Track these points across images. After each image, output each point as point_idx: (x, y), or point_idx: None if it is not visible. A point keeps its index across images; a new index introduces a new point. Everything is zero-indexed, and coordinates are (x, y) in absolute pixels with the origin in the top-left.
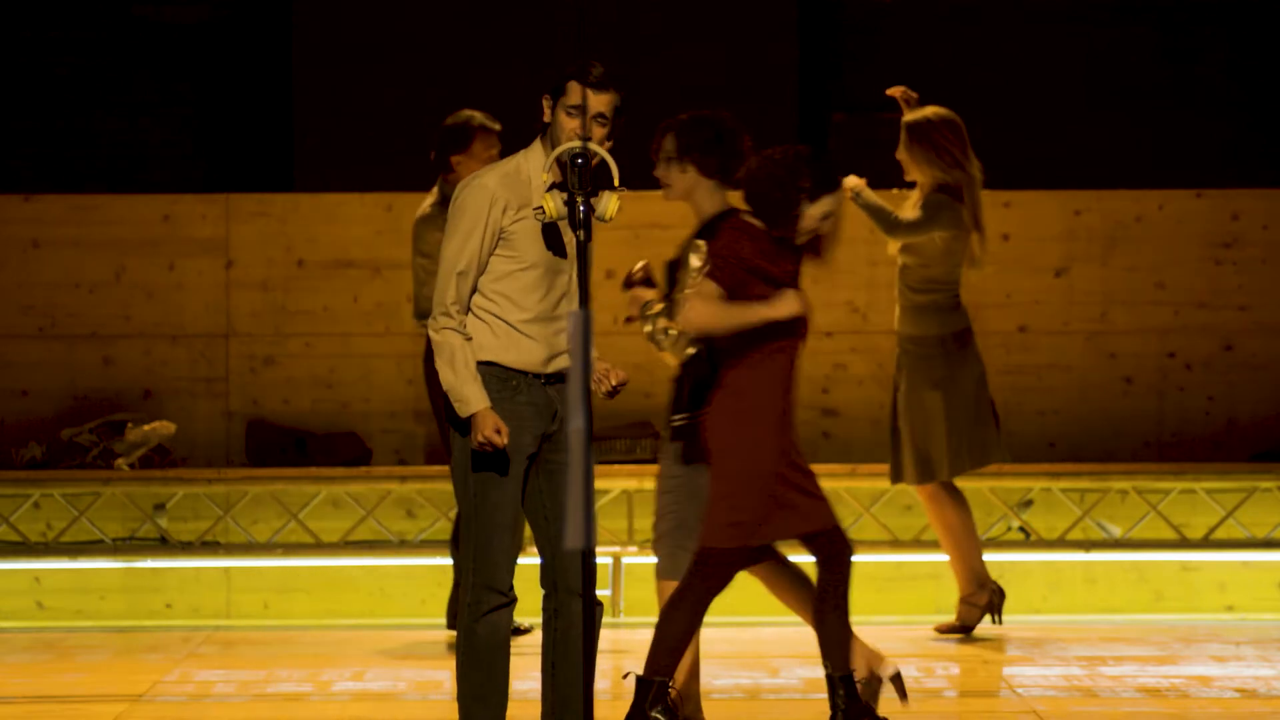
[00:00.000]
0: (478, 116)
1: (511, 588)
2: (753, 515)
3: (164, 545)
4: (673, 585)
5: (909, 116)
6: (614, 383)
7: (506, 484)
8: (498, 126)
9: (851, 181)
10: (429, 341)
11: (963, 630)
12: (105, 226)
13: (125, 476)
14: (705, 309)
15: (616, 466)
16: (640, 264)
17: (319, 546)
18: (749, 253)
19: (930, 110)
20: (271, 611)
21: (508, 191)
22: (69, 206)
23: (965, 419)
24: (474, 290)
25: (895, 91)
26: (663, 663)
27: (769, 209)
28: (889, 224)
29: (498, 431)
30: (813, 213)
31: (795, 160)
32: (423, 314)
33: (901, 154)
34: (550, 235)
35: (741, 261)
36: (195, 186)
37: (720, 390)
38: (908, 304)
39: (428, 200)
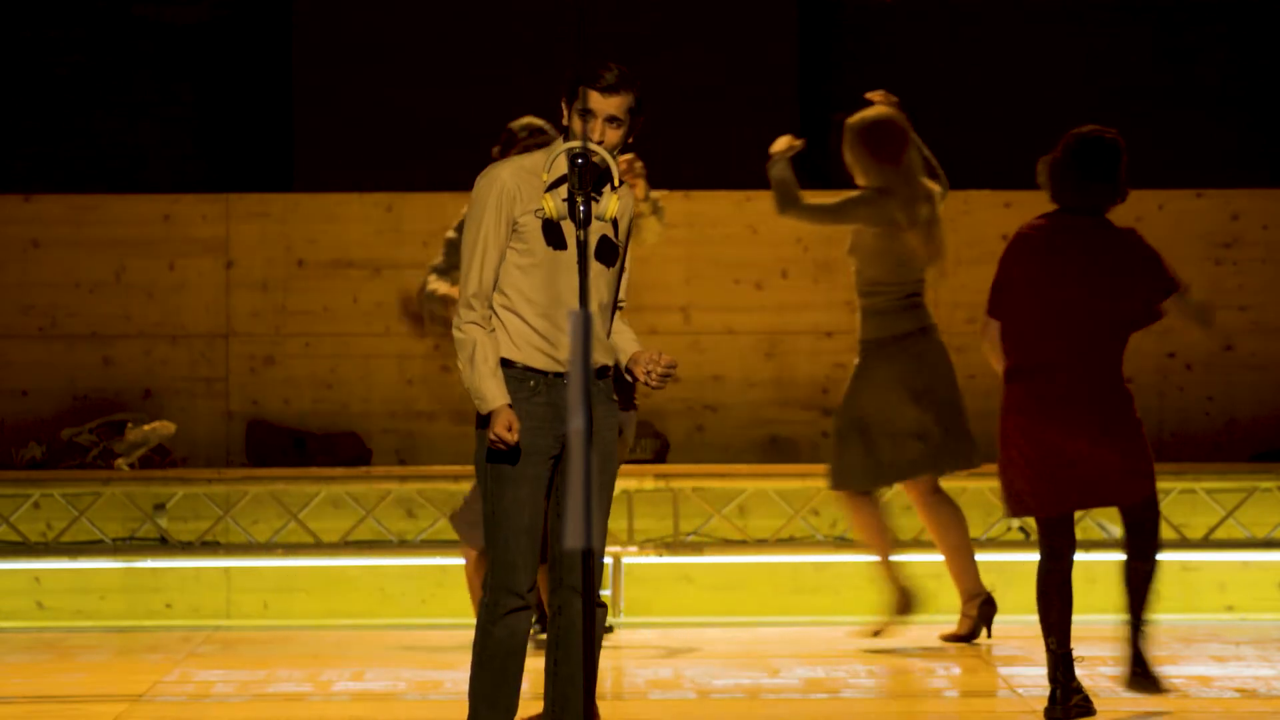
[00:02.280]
0: None
1: (532, 590)
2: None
3: (164, 545)
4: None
5: (850, 119)
6: (663, 366)
7: (524, 486)
8: None
9: (780, 145)
10: None
11: (964, 639)
12: (105, 226)
13: (125, 476)
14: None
15: None
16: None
17: (319, 546)
18: None
19: (872, 112)
20: (271, 611)
21: (520, 184)
22: (69, 206)
23: (883, 430)
24: (495, 283)
25: (876, 95)
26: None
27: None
28: (784, 200)
29: (510, 429)
30: None
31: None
32: None
33: (845, 155)
34: (554, 233)
35: None
36: (195, 186)
37: None
38: (858, 307)
39: None
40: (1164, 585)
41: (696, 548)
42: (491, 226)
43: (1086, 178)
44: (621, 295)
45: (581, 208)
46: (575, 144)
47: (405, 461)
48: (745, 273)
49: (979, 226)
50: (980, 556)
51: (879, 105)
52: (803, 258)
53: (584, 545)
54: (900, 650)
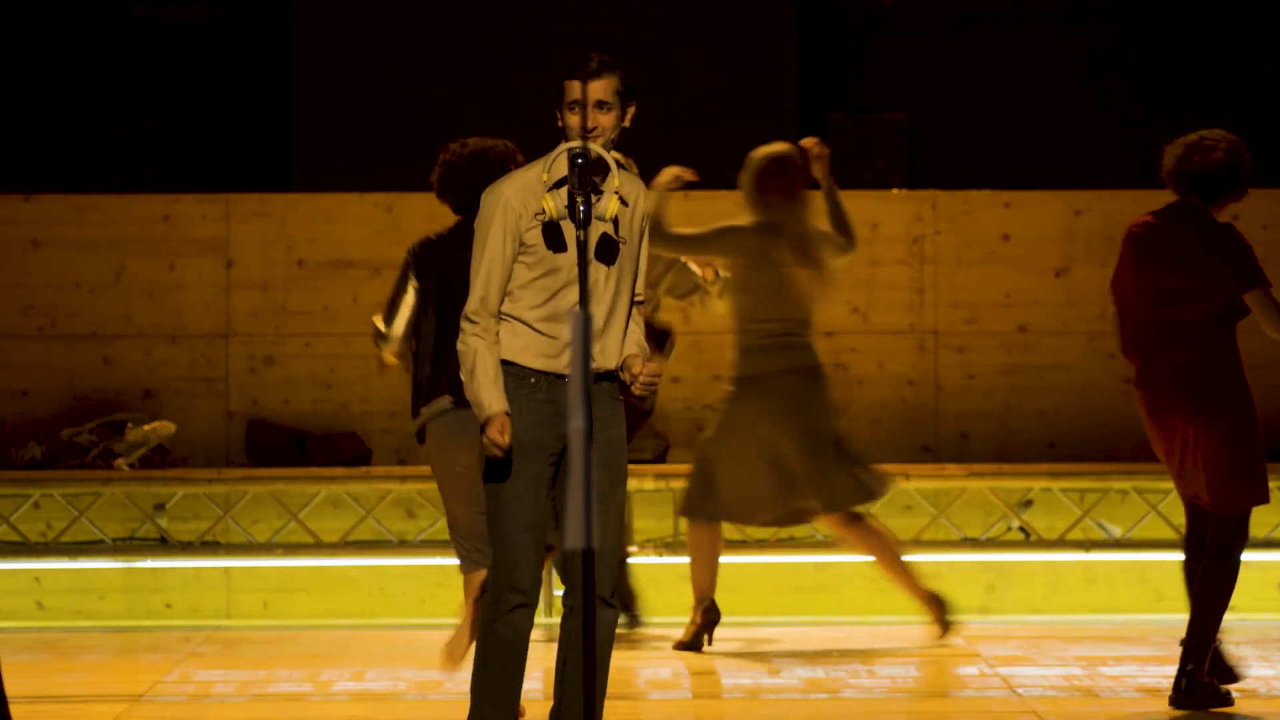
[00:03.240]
0: None
1: (534, 586)
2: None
3: (164, 545)
4: (477, 577)
5: (750, 153)
6: (645, 380)
7: (525, 483)
8: None
9: (665, 177)
10: None
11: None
12: (105, 226)
13: (125, 476)
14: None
15: None
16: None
17: (319, 546)
18: None
19: (771, 147)
20: (271, 611)
21: (524, 198)
22: (69, 206)
23: (731, 469)
24: (502, 298)
25: (809, 143)
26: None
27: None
28: (652, 231)
29: (501, 432)
30: None
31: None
32: None
33: (740, 188)
34: (556, 235)
35: None
36: (195, 186)
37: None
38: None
39: None
40: (1164, 585)
41: None
42: (498, 245)
43: (1176, 185)
44: (638, 290)
45: (582, 208)
46: (575, 144)
47: (405, 461)
48: None
49: (979, 226)
50: (981, 556)
51: (780, 145)
52: None
53: (584, 545)
54: (900, 650)
